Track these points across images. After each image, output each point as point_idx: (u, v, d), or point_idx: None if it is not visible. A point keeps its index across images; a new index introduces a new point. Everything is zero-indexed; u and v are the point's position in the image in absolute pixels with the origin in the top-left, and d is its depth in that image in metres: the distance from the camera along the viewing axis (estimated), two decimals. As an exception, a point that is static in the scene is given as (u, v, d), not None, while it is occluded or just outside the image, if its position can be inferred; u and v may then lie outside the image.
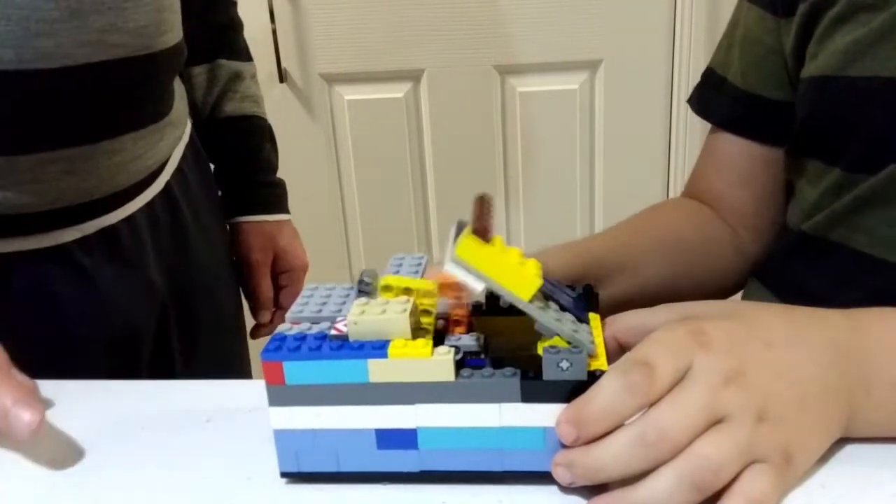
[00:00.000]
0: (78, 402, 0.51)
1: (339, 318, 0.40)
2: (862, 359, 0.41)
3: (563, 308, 0.40)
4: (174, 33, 0.69)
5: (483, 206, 0.39)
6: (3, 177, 0.59)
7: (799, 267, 0.62)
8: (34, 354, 0.49)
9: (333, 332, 0.39)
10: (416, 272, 0.42)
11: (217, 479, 0.43)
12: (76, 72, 0.58)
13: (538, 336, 0.39)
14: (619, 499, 0.36)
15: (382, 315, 0.38)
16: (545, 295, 0.40)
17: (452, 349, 0.38)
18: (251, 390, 0.52)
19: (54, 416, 0.50)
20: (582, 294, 0.44)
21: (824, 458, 0.40)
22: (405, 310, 0.39)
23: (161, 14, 0.65)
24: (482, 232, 0.38)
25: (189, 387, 0.55)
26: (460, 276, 0.38)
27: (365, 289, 0.41)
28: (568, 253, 0.61)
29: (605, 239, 0.67)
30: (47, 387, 0.52)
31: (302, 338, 0.39)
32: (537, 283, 0.38)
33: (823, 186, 0.59)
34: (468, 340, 0.40)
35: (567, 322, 0.39)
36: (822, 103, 0.58)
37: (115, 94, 0.63)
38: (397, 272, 0.43)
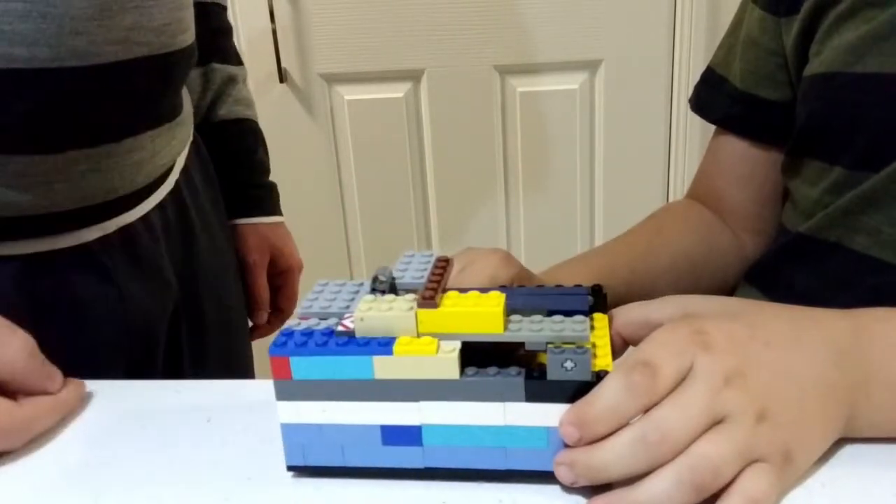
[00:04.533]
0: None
1: (346, 315, 0.41)
2: (862, 359, 0.41)
3: (550, 312, 0.40)
4: (190, 33, 0.70)
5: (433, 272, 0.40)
6: (33, 175, 0.60)
7: (791, 269, 0.62)
8: (56, 356, 0.50)
9: (340, 328, 0.40)
10: (426, 269, 0.43)
11: (217, 477, 0.43)
12: (105, 70, 0.59)
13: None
14: (619, 499, 0.36)
15: (389, 312, 0.39)
16: (522, 311, 0.40)
17: (457, 346, 0.38)
18: (252, 389, 0.52)
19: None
20: (589, 293, 0.44)
21: (824, 458, 0.40)
22: (411, 307, 0.39)
23: (180, 13, 0.66)
24: (427, 301, 0.39)
25: (190, 385, 0.55)
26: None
27: (379, 287, 0.41)
28: (584, 269, 0.62)
29: (619, 257, 0.67)
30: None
31: (309, 333, 0.40)
32: (499, 311, 0.38)
33: (823, 186, 0.59)
34: None
35: (548, 325, 0.39)
36: (825, 100, 0.58)
37: (138, 92, 0.64)
38: (406, 270, 0.43)
